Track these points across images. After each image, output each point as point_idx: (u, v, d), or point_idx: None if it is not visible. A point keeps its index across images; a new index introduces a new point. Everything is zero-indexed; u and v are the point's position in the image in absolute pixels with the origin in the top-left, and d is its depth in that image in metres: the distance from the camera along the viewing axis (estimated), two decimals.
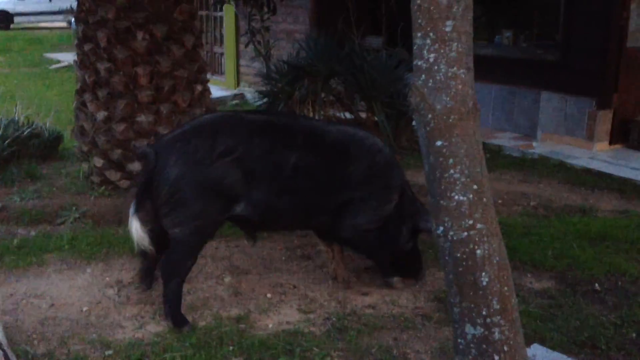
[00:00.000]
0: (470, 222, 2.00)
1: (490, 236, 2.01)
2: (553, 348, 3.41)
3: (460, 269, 2.03)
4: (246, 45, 9.29)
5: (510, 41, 8.84)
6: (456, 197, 2.01)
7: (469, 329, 2.03)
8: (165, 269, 3.66)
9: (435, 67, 2.05)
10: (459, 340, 2.09)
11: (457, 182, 2.01)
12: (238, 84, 12.26)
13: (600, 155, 7.55)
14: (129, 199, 5.83)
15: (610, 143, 7.84)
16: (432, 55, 2.05)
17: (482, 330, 2.00)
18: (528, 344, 3.38)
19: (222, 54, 12.74)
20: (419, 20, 2.05)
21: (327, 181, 3.82)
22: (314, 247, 4.79)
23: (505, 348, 1.99)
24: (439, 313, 3.85)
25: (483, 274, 1.99)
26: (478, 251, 1.99)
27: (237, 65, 12.20)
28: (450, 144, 2.02)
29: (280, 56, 9.52)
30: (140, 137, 5.90)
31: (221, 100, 11.49)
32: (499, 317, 1.99)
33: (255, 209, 3.68)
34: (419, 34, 2.08)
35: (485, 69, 8.78)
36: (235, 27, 11.95)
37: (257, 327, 3.64)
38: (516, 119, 8.62)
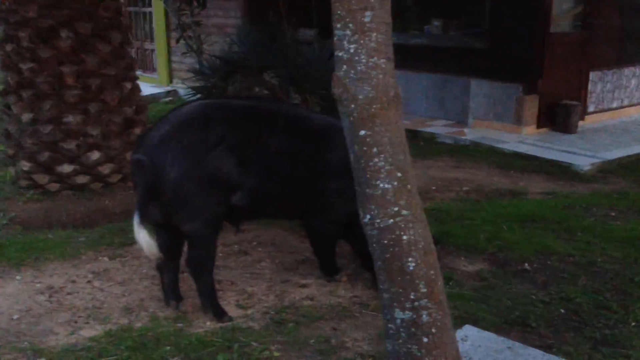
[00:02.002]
0: (396, 209, 2.03)
1: (415, 222, 2.05)
2: (485, 328, 3.50)
3: (388, 256, 2.06)
4: (177, 41, 9.14)
5: (439, 30, 9.01)
6: (381, 185, 2.04)
7: (398, 313, 2.07)
8: (191, 266, 3.69)
9: (356, 58, 2.07)
10: (389, 325, 2.13)
11: (382, 170, 2.04)
12: (171, 81, 12.07)
13: (528, 139, 7.79)
14: (59, 203, 5.69)
15: (538, 127, 8.11)
16: (352, 46, 2.07)
17: (410, 314, 2.04)
18: (461, 325, 3.48)
19: (153, 51, 12.51)
20: (339, 12, 2.07)
21: (306, 167, 3.83)
22: (251, 242, 4.78)
23: (434, 330, 2.04)
24: (376, 301, 3.90)
25: (410, 259, 2.03)
26: (404, 237, 2.03)
27: (169, 62, 12.01)
28: (373, 133, 2.05)
29: (213, 51, 9.41)
30: (69, 138, 5.75)
31: (154, 97, 11.29)
32: (426, 300, 2.03)
33: (248, 197, 3.68)
34: (339, 25, 2.10)
35: (417, 58, 8.95)
36: (165, 23, 11.74)
37: (195, 326, 3.61)
38: (448, 107, 8.80)
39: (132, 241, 4.66)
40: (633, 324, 3.59)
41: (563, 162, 6.94)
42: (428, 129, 8.37)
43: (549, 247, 4.67)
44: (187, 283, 4.08)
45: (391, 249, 2.04)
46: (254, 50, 7.97)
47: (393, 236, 2.04)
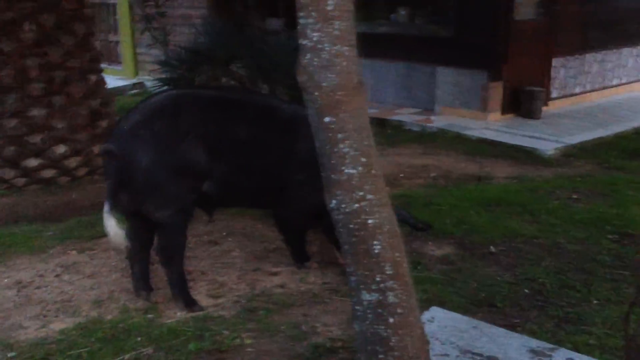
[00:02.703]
0: (361, 193, 2.07)
1: (380, 206, 2.09)
2: (453, 309, 3.58)
3: (354, 239, 2.11)
4: (142, 33, 9.05)
5: (406, 19, 9.07)
6: (346, 170, 2.08)
7: (364, 295, 2.12)
8: (162, 255, 3.69)
9: (320, 46, 2.10)
10: (357, 307, 2.18)
11: (347, 156, 2.08)
12: (137, 73, 11.95)
13: (494, 125, 7.92)
14: (25, 198, 5.63)
15: (503, 113, 8.24)
16: (316, 34, 2.10)
17: (377, 295, 2.09)
18: (428, 307, 3.56)
19: (118, 43, 12.37)
20: (302, 0, 2.10)
21: (276, 158, 3.85)
22: (221, 232, 4.79)
23: (399, 310, 2.09)
24: (346, 286, 3.93)
25: (375, 242, 2.07)
26: (370, 221, 2.08)
27: (135, 54, 11.88)
28: (338, 120, 2.08)
29: (180, 42, 9.34)
30: (34, 132, 5.69)
31: (120, 90, 11.18)
32: (392, 282, 2.08)
33: (217, 186, 3.69)
34: (302, 13, 2.13)
35: (384, 46, 9.01)
36: (130, 14, 11.61)
37: (166, 316, 3.62)
38: (416, 95, 8.88)
39: (101, 234, 4.65)
40: (595, 302, 3.70)
41: (527, 147, 7.08)
42: (396, 117, 8.44)
43: (514, 230, 4.77)
44: (157, 274, 4.09)
45: (357, 233, 2.09)
46: (220, 40, 7.94)
47: (359, 220, 2.08)
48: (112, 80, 11.79)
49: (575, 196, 5.56)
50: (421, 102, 8.82)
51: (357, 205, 2.08)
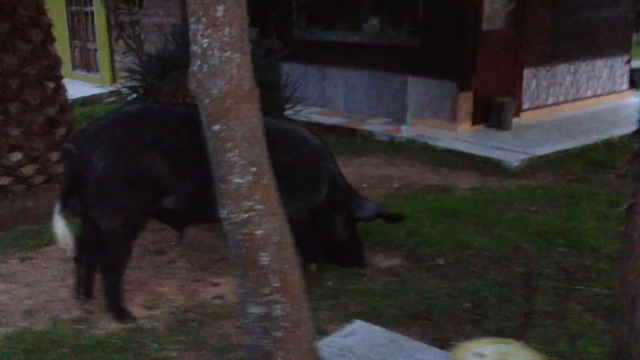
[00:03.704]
0: (250, 203, 2.02)
1: (270, 216, 2.04)
2: (387, 322, 3.53)
3: (243, 251, 2.05)
4: (116, 40, 9.04)
5: (377, 28, 9.05)
6: (235, 180, 2.03)
7: (251, 308, 2.06)
8: (103, 264, 3.65)
9: (209, 52, 2.06)
10: (245, 321, 2.12)
11: (236, 165, 2.03)
12: (114, 81, 11.90)
13: (463, 136, 7.88)
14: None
15: (473, 124, 8.19)
16: (205, 40, 2.06)
17: (263, 308, 2.03)
18: (364, 319, 3.50)
19: (96, 50, 12.33)
20: (192, 5, 2.06)
21: None
22: (169, 242, 4.73)
23: (286, 324, 2.04)
24: None
25: (263, 253, 2.02)
26: (257, 232, 2.02)
27: (112, 61, 11.85)
28: (227, 128, 2.04)
29: (152, 50, 9.31)
30: None
31: (97, 98, 11.14)
32: (279, 295, 2.03)
33: (182, 201, 3.65)
34: (193, 19, 2.08)
35: (356, 56, 8.99)
36: (107, 22, 11.58)
37: (98, 328, 3.56)
38: (387, 104, 8.85)
39: (46, 243, 4.60)
40: (534, 316, 3.64)
41: (493, 159, 7.03)
42: (366, 127, 8.40)
43: (465, 242, 4.73)
44: (95, 284, 4.02)
45: (245, 244, 2.04)
46: (189, 48, 7.93)
47: (246, 231, 2.03)
48: (90, 88, 11.76)
49: (532, 208, 5.52)
50: (392, 112, 8.78)
51: (245, 215, 2.04)
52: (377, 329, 2.93)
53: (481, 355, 1.84)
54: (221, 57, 2.04)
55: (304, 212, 4.02)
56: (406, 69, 8.44)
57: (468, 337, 3.41)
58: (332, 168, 4.17)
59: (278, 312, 2.02)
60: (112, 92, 11.43)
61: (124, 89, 8.70)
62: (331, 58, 9.28)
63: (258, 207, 2.02)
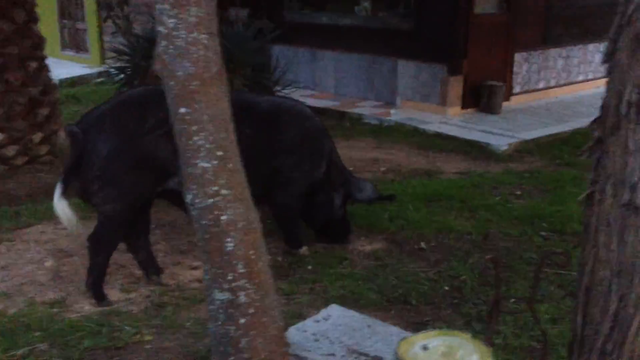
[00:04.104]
0: (215, 188, 1.98)
1: (235, 202, 2.00)
2: (367, 306, 3.52)
3: (208, 236, 2.02)
4: (105, 20, 8.94)
5: (368, 11, 8.96)
6: (201, 164, 1.98)
7: (216, 294, 2.03)
8: (93, 243, 3.62)
9: (175, 33, 2.00)
10: (210, 307, 2.09)
11: (202, 149, 1.99)
12: (103, 61, 11.79)
13: (452, 120, 7.83)
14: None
15: (463, 107, 8.14)
16: (171, 20, 2.00)
17: (228, 294, 2.00)
18: (342, 303, 3.48)
19: (85, 31, 12.20)
20: None
21: (259, 150, 3.85)
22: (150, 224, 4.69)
23: (251, 310, 2.01)
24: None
25: (228, 239, 1.99)
26: (223, 217, 1.99)
27: (101, 42, 11.72)
28: (193, 111, 1.99)
29: (142, 30, 9.21)
30: None
31: (86, 78, 11.03)
32: (245, 281, 2.00)
33: None
34: None
35: (347, 39, 8.91)
36: (97, 2, 11.43)
37: (72, 311, 3.53)
38: (377, 88, 8.78)
39: (24, 225, 4.56)
40: (512, 300, 3.63)
41: (482, 142, 7.00)
42: (356, 110, 8.34)
43: (448, 226, 4.70)
44: (73, 267, 4.00)
45: (210, 229, 2.00)
46: None
47: (212, 216, 1.99)
48: (79, 69, 11.64)
49: (518, 192, 5.49)
50: (383, 96, 8.73)
51: (210, 200, 2.00)
52: (352, 313, 2.90)
53: (425, 347, 1.82)
54: (187, 38, 1.99)
55: (305, 187, 4.10)
56: (397, 52, 8.37)
57: (446, 321, 3.41)
58: (331, 145, 4.30)
59: (243, 299, 1.99)
60: (100, 73, 11.32)
61: (112, 70, 8.63)
62: (322, 40, 9.19)
63: (224, 192, 1.98)
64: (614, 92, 1.67)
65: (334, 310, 2.92)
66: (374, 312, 3.46)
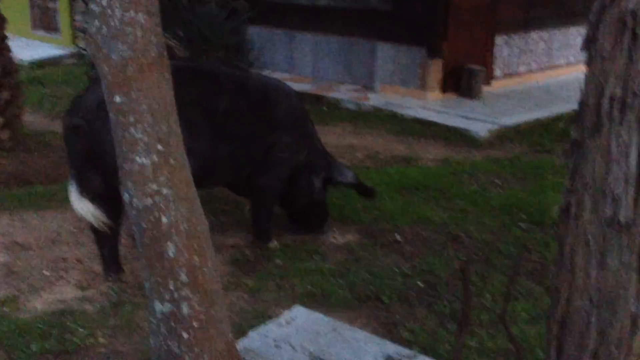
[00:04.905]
0: (155, 187, 1.77)
1: (178, 202, 1.79)
2: (335, 304, 3.34)
3: (146, 240, 1.81)
4: None
5: None
6: (138, 159, 1.77)
7: (157, 305, 1.83)
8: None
9: (110, 11, 1.78)
10: (151, 319, 1.89)
11: (139, 143, 1.77)
12: (74, 42, 11.42)
13: (432, 105, 7.64)
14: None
15: (443, 92, 7.95)
16: None
17: (170, 306, 1.80)
18: (309, 301, 3.30)
19: (56, 10, 11.80)
20: None
21: (254, 126, 3.78)
22: None
23: (195, 324, 1.81)
24: (231, 277, 3.68)
25: (169, 244, 1.78)
26: (164, 219, 1.78)
27: (72, 22, 11.35)
28: (129, 100, 1.77)
29: None
30: None
31: (57, 59, 10.68)
32: (188, 291, 1.80)
33: (197, 162, 3.40)
34: None
35: (325, 20, 8.65)
36: None
37: (24, 310, 3.31)
38: (356, 71, 8.56)
39: None
40: (488, 296, 3.47)
41: (461, 129, 6.82)
42: (333, 94, 8.12)
43: (425, 217, 4.53)
44: (28, 261, 3.78)
45: (150, 233, 1.79)
46: None
47: (151, 218, 1.78)
48: (49, 49, 11.26)
49: (497, 181, 5.32)
50: (361, 79, 8.50)
51: (150, 200, 1.78)
52: (317, 316, 2.72)
53: None
54: (123, 17, 1.76)
55: (291, 169, 4.00)
56: (376, 34, 8.14)
57: (419, 320, 3.24)
58: (312, 126, 4.22)
59: (186, 311, 1.78)
60: (72, 54, 10.97)
61: (84, 51, 8.31)
62: (300, 21, 8.93)
63: (165, 191, 1.77)
64: (594, 85, 1.46)
65: (299, 312, 2.74)
66: (343, 311, 3.28)
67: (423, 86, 7.86)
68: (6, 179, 5.35)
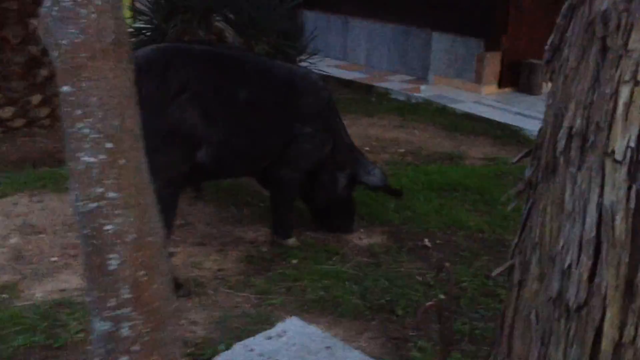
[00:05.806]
0: (100, 190, 1.57)
1: (125, 208, 1.59)
2: (344, 313, 3.10)
3: (89, 249, 1.62)
4: None
5: None
6: (85, 158, 1.58)
7: (96, 323, 1.64)
8: None
9: None
10: (91, 337, 1.71)
11: (87, 139, 1.58)
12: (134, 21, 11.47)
13: (486, 99, 7.24)
14: None
15: (500, 86, 7.54)
16: None
17: (109, 324, 1.61)
18: (317, 307, 3.10)
19: None
20: None
21: (277, 116, 3.65)
22: None
23: (136, 347, 1.61)
24: (241, 276, 3.49)
25: (112, 255, 1.58)
26: (107, 226, 1.58)
27: (133, 1, 11.38)
28: (78, 90, 1.58)
29: None
30: None
31: None
32: (130, 309, 1.60)
33: (214, 153, 3.38)
34: None
35: (381, 7, 8.33)
36: None
37: (22, 298, 3.21)
38: (410, 61, 8.23)
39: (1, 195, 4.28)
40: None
41: (514, 126, 6.42)
42: (384, 84, 7.81)
43: (459, 221, 4.22)
44: (38, 245, 3.70)
45: (92, 241, 1.60)
46: None
47: (95, 224, 1.59)
48: None
49: None
50: (415, 70, 8.17)
51: (94, 204, 1.59)
52: (312, 330, 2.49)
53: None
54: None
55: (312, 162, 3.81)
56: (432, 23, 7.77)
57: (432, 338, 2.96)
58: (340, 119, 4.01)
59: (126, 332, 1.59)
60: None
61: (130, 31, 8.25)
62: (355, 8, 8.64)
63: (111, 194, 1.57)
64: (552, 112, 1.09)
65: (292, 325, 2.52)
66: (351, 321, 3.04)
67: (478, 80, 7.46)
68: (41, 158, 5.32)
